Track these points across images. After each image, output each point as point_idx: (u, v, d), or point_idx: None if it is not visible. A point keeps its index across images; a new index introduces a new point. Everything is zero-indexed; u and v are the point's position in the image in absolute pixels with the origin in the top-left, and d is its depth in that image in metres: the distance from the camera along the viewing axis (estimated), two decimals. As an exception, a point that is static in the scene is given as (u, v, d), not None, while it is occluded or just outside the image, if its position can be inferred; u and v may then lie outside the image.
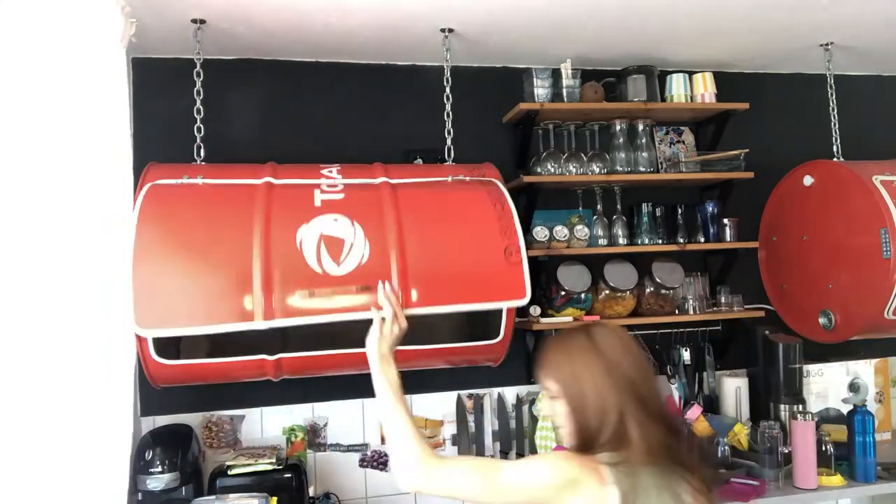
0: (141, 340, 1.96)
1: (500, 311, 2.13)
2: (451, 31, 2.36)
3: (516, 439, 2.63)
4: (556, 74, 2.61)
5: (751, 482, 2.29)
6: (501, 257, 2.00)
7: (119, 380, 1.56)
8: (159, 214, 1.92)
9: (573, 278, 2.52)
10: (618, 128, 2.68)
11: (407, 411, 1.57)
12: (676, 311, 2.67)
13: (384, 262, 1.93)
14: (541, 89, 2.59)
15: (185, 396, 2.37)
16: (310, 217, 1.96)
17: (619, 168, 2.65)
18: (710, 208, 2.72)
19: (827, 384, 2.79)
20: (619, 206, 2.70)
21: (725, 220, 2.71)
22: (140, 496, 2.09)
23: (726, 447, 2.46)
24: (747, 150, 2.69)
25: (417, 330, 2.03)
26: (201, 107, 2.24)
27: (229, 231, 1.93)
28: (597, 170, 2.62)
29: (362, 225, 1.97)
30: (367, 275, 1.90)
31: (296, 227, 1.94)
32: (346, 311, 1.89)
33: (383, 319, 1.74)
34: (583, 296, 2.56)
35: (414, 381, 2.54)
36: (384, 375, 1.62)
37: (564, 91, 2.59)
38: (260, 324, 1.85)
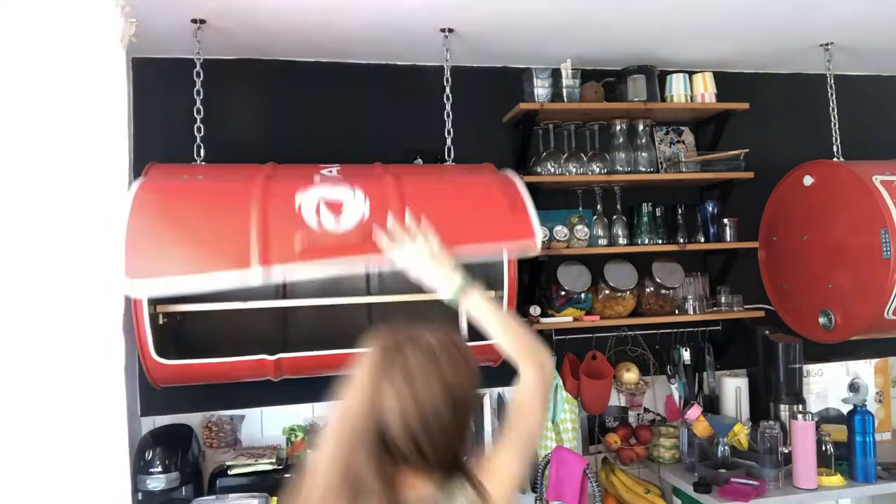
0: (141, 341, 1.97)
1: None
2: (451, 31, 2.36)
3: (516, 439, 2.63)
4: (556, 74, 2.61)
5: (751, 482, 2.29)
6: (507, 211, 1.95)
7: (112, 379, 1.56)
8: (156, 189, 1.89)
9: (573, 278, 2.52)
10: (618, 128, 2.68)
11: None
12: (676, 311, 2.67)
13: (384, 218, 1.83)
14: (541, 89, 2.59)
15: (185, 396, 2.37)
16: (308, 186, 1.90)
17: (619, 168, 2.65)
18: (710, 208, 2.72)
19: (827, 384, 2.79)
20: (619, 206, 2.70)
21: (725, 220, 2.71)
22: (140, 496, 2.09)
23: (726, 447, 2.47)
24: (747, 150, 2.69)
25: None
26: (201, 107, 2.24)
27: (227, 200, 1.88)
28: (597, 170, 2.62)
29: (363, 188, 1.91)
30: (368, 232, 1.79)
31: (294, 193, 1.88)
32: (346, 254, 1.79)
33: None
34: (583, 296, 2.56)
35: (414, 381, 2.55)
36: (461, 288, 1.36)
37: (564, 91, 2.59)
38: (256, 269, 1.76)
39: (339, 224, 1.84)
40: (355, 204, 1.87)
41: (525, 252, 1.97)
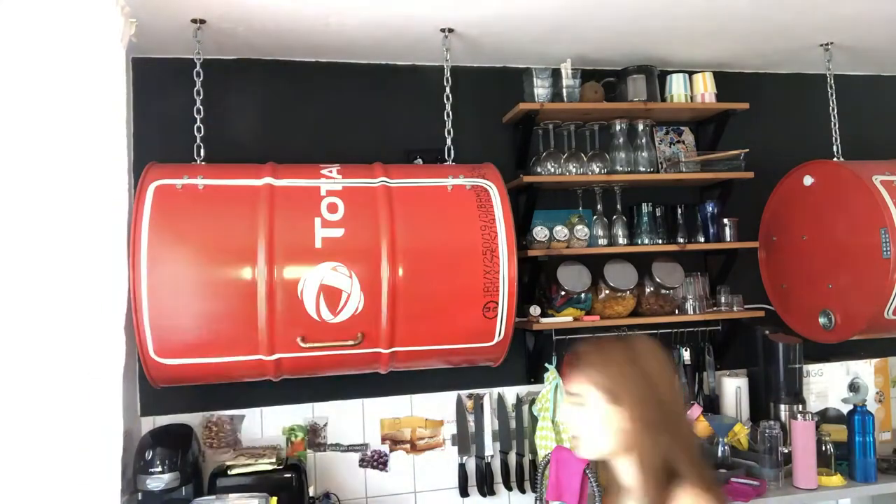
0: (141, 340, 1.97)
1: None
2: (451, 31, 2.36)
3: (516, 439, 2.63)
4: (556, 74, 2.61)
5: (751, 482, 2.29)
6: (480, 314, 2.18)
7: (109, 379, 1.56)
8: (164, 243, 2.01)
9: (573, 278, 2.52)
10: (618, 128, 2.68)
11: None
12: (676, 311, 2.67)
13: (376, 310, 2.09)
14: (541, 89, 2.59)
15: (185, 396, 2.37)
16: (315, 262, 2.08)
17: (619, 168, 2.64)
18: (710, 208, 2.72)
19: (827, 384, 2.79)
20: (619, 206, 2.70)
21: (725, 220, 2.71)
22: (140, 496, 2.09)
23: (726, 447, 2.46)
24: (747, 150, 2.69)
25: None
26: (201, 107, 2.24)
27: (232, 286, 2.05)
28: (597, 170, 2.62)
29: (358, 276, 2.09)
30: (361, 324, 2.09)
31: (298, 279, 2.06)
32: (338, 362, 2.14)
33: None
34: (583, 296, 2.56)
35: (414, 381, 2.56)
36: None
37: (564, 91, 2.59)
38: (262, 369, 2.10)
39: (336, 316, 2.07)
40: (352, 295, 2.08)
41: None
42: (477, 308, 2.17)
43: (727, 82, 2.83)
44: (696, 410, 2.48)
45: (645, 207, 2.68)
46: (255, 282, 2.01)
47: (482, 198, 2.24)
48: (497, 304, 2.18)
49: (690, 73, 2.72)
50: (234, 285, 2.02)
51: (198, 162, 2.22)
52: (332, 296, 2.05)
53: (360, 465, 2.53)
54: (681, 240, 2.69)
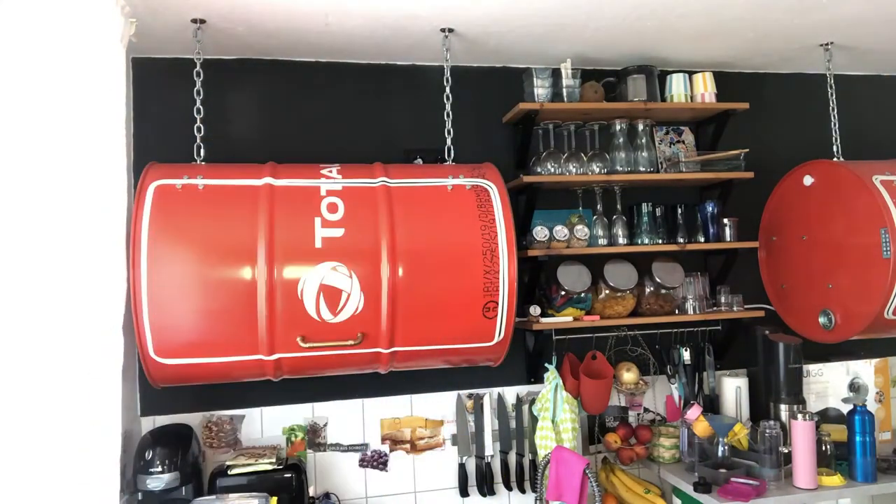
0: (141, 340, 1.97)
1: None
2: (451, 31, 2.36)
3: (516, 439, 2.63)
4: (556, 74, 2.61)
5: (751, 482, 2.29)
6: (480, 314, 2.18)
7: (107, 379, 1.56)
8: (163, 249, 2.01)
9: (573, 278, 2.52)
10: (618, 128, 2.68)
11: None
12: (676, 311, 2.67)
13: (376, 309, 2.09)
14: (541, 89, 2.59)
15: (185, 396, 2.37)
16: (315, 262, 2.08)
17: (619, 168, 2.65)
18: (710, 208, 2.72)
19: (827, 384, 2.79)
20: (619, 206, 2.70)
21: (725, 220, 2.71)
22: (140, 496, 2.09)
23: (726, 447, 2.47)
24: (747, 150, 2.69)
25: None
26: (201, 107, 2.25)
27: (232, 285, 2.05)
28: (597, 170, 2.62)
29: (358, 275, 2.09)
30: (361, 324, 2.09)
31: (298, 279, 2.05)
32: (338, 361, 2.14)
33: None
34: (583, 295, 2.56)
35: (414, 381, 2.56)
36: None
37: (564, 91, 2.59)
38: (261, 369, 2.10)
39: (336, 316, 2.07)
40: (352, 295, 2.07)
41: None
42: (477, 308, 2.17)
43: (727, 82, 2.83)
44: (696, 410, 2.48)
45: (645, 207, 2.68)
46: (255, 282, 2.01)
47: (482, 198, 2.25)
48: (497, 303, 2.18)
49: (690, 73, 2.72)
50: (234, 285, 2.02)
51: (198, 162, 2.22)
52: (332, 296, 2.06)
53: (360, 465, 2.53)
54: (681, 240, 2.69)
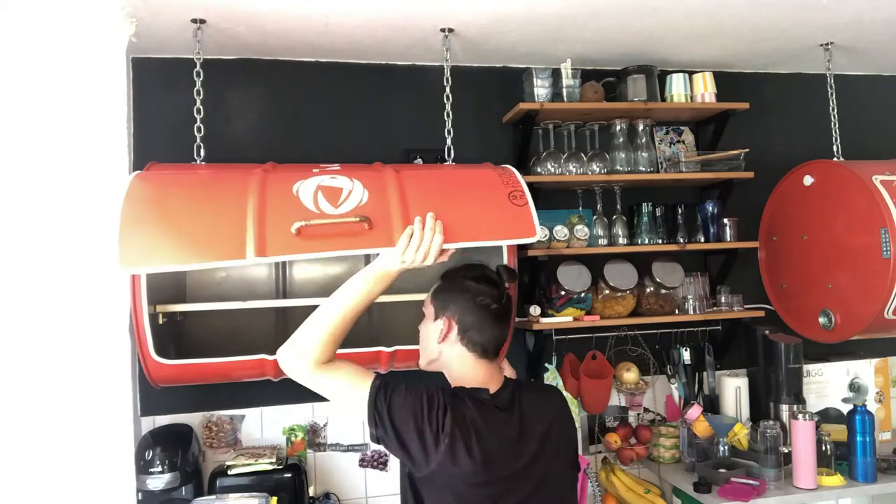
0: (141, 340, 1.97)
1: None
2: (451, 31, 2.36)
3: (516, 439, 2.63)
4: (556, 74, 2.61)
5: (751, 482, 2.29)
6: (507, 201, 1.91)
7: (116, 379, 1.57)
8: (153, 178, 1.84)
9: (573, 278, 2.52)
10: (618, 128, 2.68)
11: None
12: (676, 311, 2.67)
13: (384, 203, 1.79)
14: (541, 89, 2.59)
15: (185, 396, 2.37)
16: (307, 176, 1.88)
17: (619, 168, 2.65)
18: (710, 208, 2.72)
19: (827, 384, 2.79)
20: (619, 206, 2.70)
21: (725, 220, 2.71)
22: (140, 496, 2.09)
23: (726, 447, 2.47)
24: (747, 150, 2.68)
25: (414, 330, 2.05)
26: (201, 107, 2.24)
27: (226, 187, 1.85)
28: (597, 170, 2.62)
29: (361, 181, 1.87)
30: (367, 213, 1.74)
31: (292, 182, 1.84)
32: (343, 244, 1.71)
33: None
34: (583, 295, 2.56)
35: (414, 381, 2.55)
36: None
37: (564, 91, 2.59)
38: (252, 260, 1.67)
39: (338, 208, 1.79)
40: (354, 190, 1.83)
41: (525, 239, 1.92)
42: (477, 308, 2.15)
43: (727, 82, 2.83)
44: (696, 410, 2.48)
45: (645, 207, 2.68)
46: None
47: (482, 197, 2.23)
48: (497, 303, 2.17)
49: (690, 73, 2.72)
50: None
51: (198, 162, 2.22)
52: (331, 193, 1.83)
53: (360, 465, 2.53)
54: (681, 240, 2.69)
